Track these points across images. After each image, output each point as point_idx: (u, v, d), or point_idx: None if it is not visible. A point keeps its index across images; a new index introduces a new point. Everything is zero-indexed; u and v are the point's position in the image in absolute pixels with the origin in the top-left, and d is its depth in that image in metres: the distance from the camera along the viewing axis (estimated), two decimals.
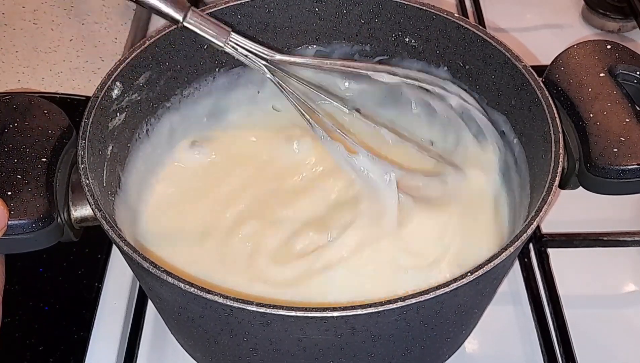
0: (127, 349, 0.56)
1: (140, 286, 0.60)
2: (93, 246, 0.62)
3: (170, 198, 0.57)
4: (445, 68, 0.58)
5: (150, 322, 0.59)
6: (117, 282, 0.60)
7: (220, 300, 0.39)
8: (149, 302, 0.59)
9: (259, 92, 0.62)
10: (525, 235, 0.42)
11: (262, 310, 0.39)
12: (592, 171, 0.47)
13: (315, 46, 0.61)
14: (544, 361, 0.56)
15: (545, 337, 0.57)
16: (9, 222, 0.43)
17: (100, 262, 0.61)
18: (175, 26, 0.49)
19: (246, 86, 0.61)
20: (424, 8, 0.56)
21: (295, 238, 0.53)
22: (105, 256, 0.62)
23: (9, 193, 0.44)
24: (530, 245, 0.63)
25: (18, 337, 0.57)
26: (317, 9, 0.58)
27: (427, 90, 0.56)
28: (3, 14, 0.82)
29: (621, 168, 0.46)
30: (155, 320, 0.58)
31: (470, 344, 0.58)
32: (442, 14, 0.55)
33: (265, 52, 0.52)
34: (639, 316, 0.60)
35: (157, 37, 0.54)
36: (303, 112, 0.52)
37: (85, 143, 0.47)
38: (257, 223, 0.54)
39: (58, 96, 0.73)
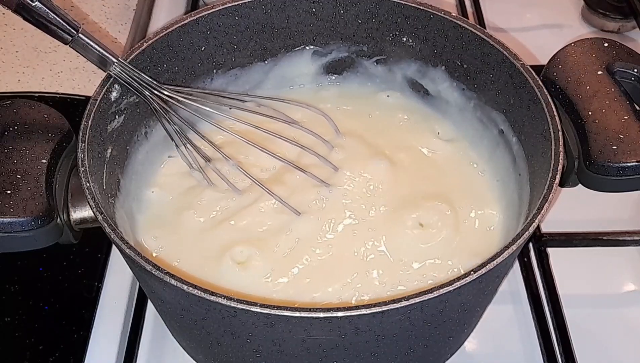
0: (127, 349, 0.56)
1: (140, 286, 0.60)
2: (93, 246, 0.62)
3: (168, 198, 0.57)
4: (443, 67, 0.58)
5: (150, 322, 0.59)
6: (117, 282, 0.60)
7: (224, 302, 0.39)
8: (149, 302, 0.59)
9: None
10: (527, 233, 0.42)
11: (266, 311, 0.39)
12: (592, 169, 0.47)
13: (312, 47, 0.61)
14: (544, 360, 0.56)
15: (544, 336, 0.57)
16: (8, 220, 0.43)
17: (100, 262, 0.61)
18: (70, 40, 0.48)
19: (244, 87, 0.62)
20: (421, 7, 0.56)
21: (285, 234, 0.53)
22: (105, 256, 0.62)
23: (8, 192, 0.44)
24: (530, 245, 0.62)
25: (18, 337, 0.57)
26: (314, 10, 0.58)
27: None
28: (3, 14, 0.82)
29: (620, 165, 0.46)
30: (155, 319, 0.58)
31: (470, 343, 0.57)
32: (439, 14, 0.55)
33: (152, 85, 0.52)
34: (639, 316, 0.60)
35: (155, 39, 0.54)
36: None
37: (84, 145, 0.47)
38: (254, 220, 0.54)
39: (58, 96, 0.73)
